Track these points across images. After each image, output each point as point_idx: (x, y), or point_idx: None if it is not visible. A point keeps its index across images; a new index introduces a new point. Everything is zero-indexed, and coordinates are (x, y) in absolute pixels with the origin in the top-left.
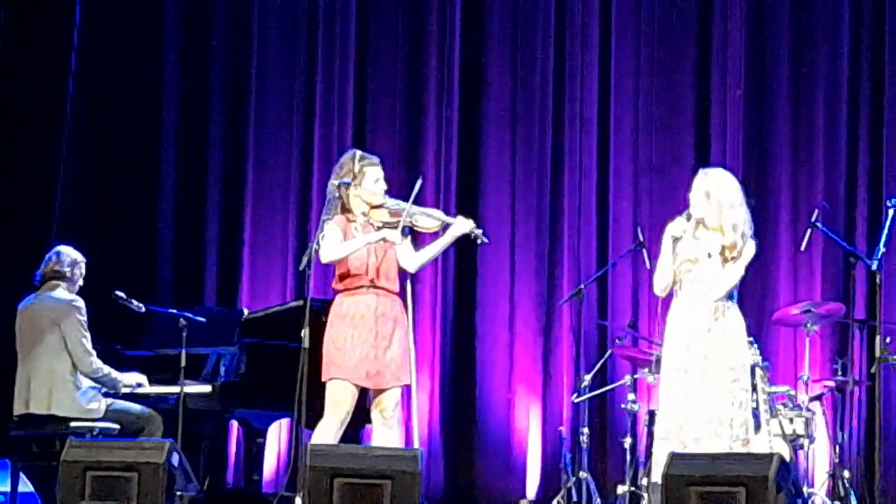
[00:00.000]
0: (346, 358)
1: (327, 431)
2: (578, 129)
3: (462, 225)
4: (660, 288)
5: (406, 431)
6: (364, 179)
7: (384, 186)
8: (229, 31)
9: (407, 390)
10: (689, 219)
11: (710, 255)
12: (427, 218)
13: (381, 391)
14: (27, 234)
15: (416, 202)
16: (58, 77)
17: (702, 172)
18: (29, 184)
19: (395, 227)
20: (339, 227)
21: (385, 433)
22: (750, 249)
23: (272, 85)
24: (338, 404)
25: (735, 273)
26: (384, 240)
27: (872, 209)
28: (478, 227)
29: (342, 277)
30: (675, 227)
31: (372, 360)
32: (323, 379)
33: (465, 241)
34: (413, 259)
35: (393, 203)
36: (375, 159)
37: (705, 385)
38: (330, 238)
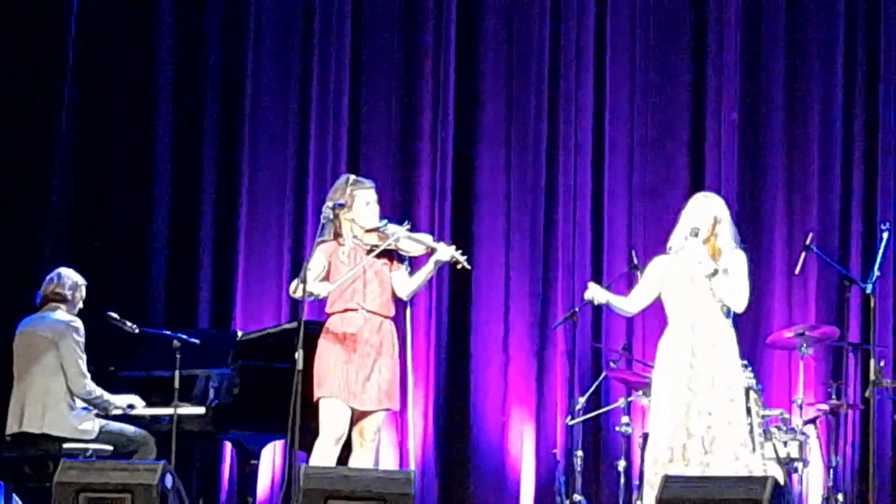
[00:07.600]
0: (335, 377)
1: (323, 451)
2: (573, 151)
3: (443, 252)
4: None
5: (401, 453)
6: (355, 202)
7: (376, 209)
8: (222, 49)
9: (399, 415)
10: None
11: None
12: (411, 242)
13: (364, 414)
14: (19, 253)
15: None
16: (50, 99)
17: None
18: (21, 203)
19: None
20: (324, 255)
21: (360, 456)
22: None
23: (266, 106)
24: (331, 423)
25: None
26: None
27: (867, 233)
28: (461, 251)
29: (333, 300)
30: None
31: (356, 380)
32: (315, 398)
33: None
34: (404, 286)
35: (385, 226)
36: (369, 183)
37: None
38: (312, 269)
